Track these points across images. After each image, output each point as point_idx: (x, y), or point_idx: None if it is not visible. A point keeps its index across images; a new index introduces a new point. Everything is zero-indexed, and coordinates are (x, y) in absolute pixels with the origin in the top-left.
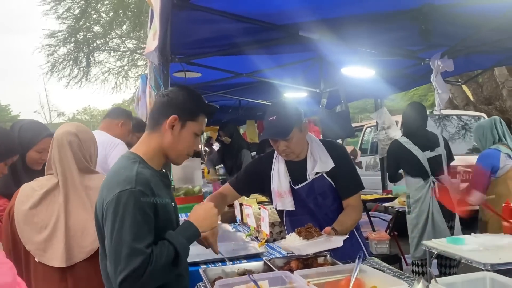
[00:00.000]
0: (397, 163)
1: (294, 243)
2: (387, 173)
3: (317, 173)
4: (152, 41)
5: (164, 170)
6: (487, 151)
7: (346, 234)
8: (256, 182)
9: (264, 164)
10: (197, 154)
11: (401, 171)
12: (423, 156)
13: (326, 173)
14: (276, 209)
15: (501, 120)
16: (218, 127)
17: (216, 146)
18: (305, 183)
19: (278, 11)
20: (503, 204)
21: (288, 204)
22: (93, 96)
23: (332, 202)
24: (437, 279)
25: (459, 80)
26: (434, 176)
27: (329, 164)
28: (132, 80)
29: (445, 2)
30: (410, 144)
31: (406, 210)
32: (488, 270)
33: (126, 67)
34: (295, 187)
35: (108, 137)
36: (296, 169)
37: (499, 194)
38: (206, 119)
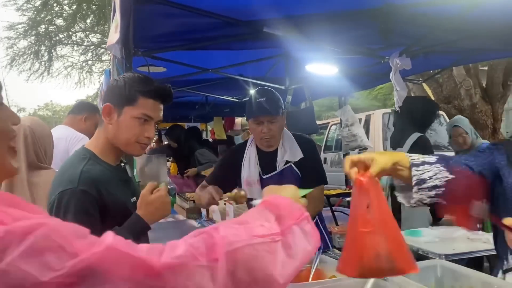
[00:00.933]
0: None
1: None
2: None
3: (286, 162)
4: (114, 34)
5: (122, 164)
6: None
7: None
8: (230, 174)
9: (236, 155)
10: (162, 150)
11: None
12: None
13: (294, 163)
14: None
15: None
16: (186, 124)
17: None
18: (275, 173)
19: (243, 7)
20: None
21: (256, 193)
22: (55, 91)
23: None
24: None
25: (420, 79)
26: None
27: (298, 154)
28: (96, 75)
29: (406, 2)
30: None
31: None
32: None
33: (90, 62)
34: (264, 177)
35: (71, 131)
36: (267, 160)
37: None
38: (153, 102)
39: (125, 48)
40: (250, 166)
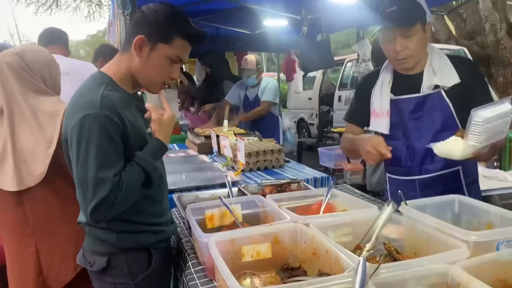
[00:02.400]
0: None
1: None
2: None
3: (435, 87)
4: None
5: (139, 93)
6: None
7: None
8: (366, 106)
9: (370, 81)
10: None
11: None
12: None
13: (446, 92)
14: (365, 129)
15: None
16: (195, 59)
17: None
18: (415, 95)
19: None
20: None
21: (382, 125)
22: (65, 25)
23: (440, 129)
24: (408, 201)
25: (442, 11)
26: None
27: (453, 79)
28: (106, 8)
29: None
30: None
31: None
32: None
33: None
34: (397, 97)
35: (79, 62)
36: (407, 86)
37: None
38: (187, 45)
39: None
40: (382, 93)
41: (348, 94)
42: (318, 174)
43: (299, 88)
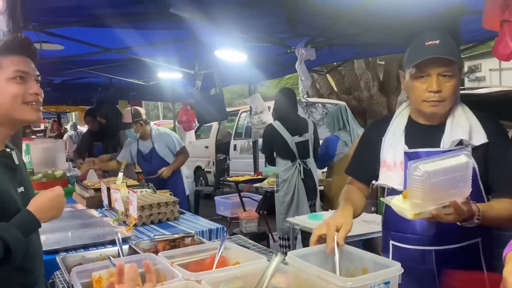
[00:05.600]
0: (270, 145)
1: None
2: (264, 155)
3: (458, 144)
4: None
5: (8, 150)
6: (328, 138)
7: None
8: (371, 157)
9: (379, 129)
10: (59, 135)
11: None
12: (291, 140)
13: (472, 150)
14: (372, 184)
15: (346, 107)
16: (87, 107)
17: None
18: (436, 149)
19: None
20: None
21: (395, 179)
22: None
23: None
24: (292, 251)
25: (324, 70)
26: (301, 159)
27: (481, 137)
28: None
29: None
30: (281, 128)
31: (275, 189)
32: None
33: None
34: (414, 150)
35: None
36: (424, 136)
37: (335, 176)
38: (16, 58)
39: (12, 20)
40: (394, 141)
41: (243, 143)
42: (213, 225)
43: (192, 138)
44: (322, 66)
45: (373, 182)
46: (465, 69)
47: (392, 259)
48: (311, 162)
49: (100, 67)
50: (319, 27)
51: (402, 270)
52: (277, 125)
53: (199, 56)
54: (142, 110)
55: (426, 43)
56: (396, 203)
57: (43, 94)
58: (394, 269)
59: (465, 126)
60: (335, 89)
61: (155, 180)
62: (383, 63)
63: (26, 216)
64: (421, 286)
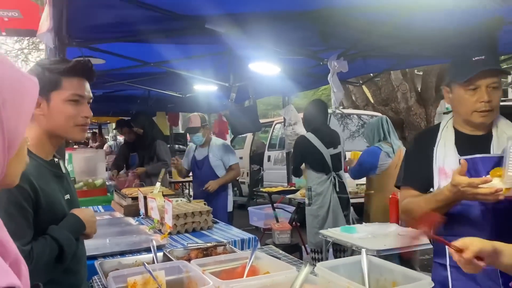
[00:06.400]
0: (302, 157)
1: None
2: (292, 166)
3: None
4: (46, 21)
5: (56, 160)
6: (370, 149)
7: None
8: (426, 165)
9: (428, 139)
10: (100, 146)
11: (302, 166)
12: (327, 153)
13: None
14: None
15: (387, 119)
16: (127, 118)
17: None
18: (494, 155)
19: (184, 1)
20: (390, 196)
21: None
22: None
23: None
24: (321, 262)
25: (359, 81)
26: (335, 171)
27: None
28: (32, 64)
29: (342, 6)
30: (316, 140)
31: (306, 202)
32: (373, 255)
33: (26, 50)
34: (469, 157)
35: None
36: (473, 144)
37: (377, 190)
38: (77, 80)
39: (58, 38)
40: (446, 150)
41: (277, 154)
42: (246, 235)
43: None
44: (357, 77)
45: (432, 190)
46: (509, 79)
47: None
48: (343, 174)
49: (139, 80)
50: (352, 40)
51: (432, 284)
52: (311, 137)
53: (233, 68)
54: (203, 117)
55: (473, 58)
56: (487, 186)
57: (92, 115)
58: (424, 283)
59: (510, 134)
60: (371, 100)
61: (203, 194)
62: (421, 73)
63: (74, 219)
64: None
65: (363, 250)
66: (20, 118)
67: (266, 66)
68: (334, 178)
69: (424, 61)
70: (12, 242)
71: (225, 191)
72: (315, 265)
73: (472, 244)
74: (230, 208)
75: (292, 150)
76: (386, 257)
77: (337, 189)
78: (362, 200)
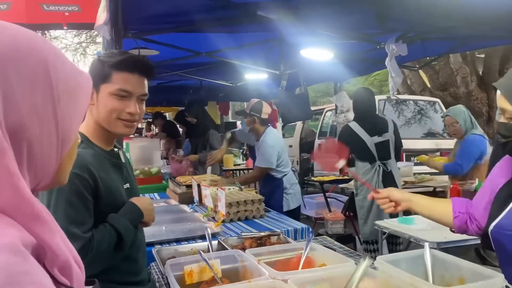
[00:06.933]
0: (347, 147)
1: None
2: None
3: None
4: (102, 14)
5: (116, 149)
6: (475, 138)
7: None
8: None
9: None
10: (155, 135)
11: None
12: (371, 141)
13: None
14: None
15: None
16: (180, 108)
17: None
18: None
19: None
20: (451, 185)
21: None
22: None
23: None
24: (382, 256)
25: (416, 66)
26: (380, 160)
27: None
28: (90, 57)
29: None
30: (359, 129)
31: (354, 192)
32: (434, 248)
33: (84, 44)
34: None
35: None
36: None
37: (483, 178)
38: (127, 76)
39: (114, 30)
40: None
41: None
42: (298, 225)
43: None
44: (414, 62)
45: None
46: None
47: None
48: (391, 163)
49: (191, 70)
50: (411, 21)
51: (506, 283)
52: (354, 126)
53: (284, 56)
54: (266, 110)
55: None
56: None
57: (142, 112)
58: (495, 282)
59: None
60: (428, 85)
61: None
62: (482, 56)
63: (132, 208)
64: None
65: (427, 244)
66: (74, 115)
67: (319, 52)
68: (380, 166)
69: (487, 42)
70: (63, 243)
71: (278, 188)
72: (375, 259)
73: (389, 190)
74: (285, 208)
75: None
76: (460, 251)
77: (382, 179)
78: (421, 189)
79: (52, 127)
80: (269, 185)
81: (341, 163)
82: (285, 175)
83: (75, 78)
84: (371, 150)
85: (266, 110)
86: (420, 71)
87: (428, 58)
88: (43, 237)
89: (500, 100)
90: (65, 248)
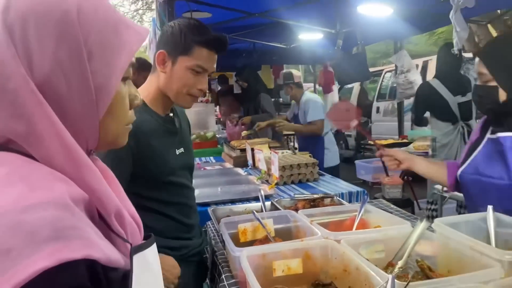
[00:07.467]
0: (425, 105)
1: None
2: (413, 116)
3: None
4: None
5: (171, 115)
6: None
7: None
8: None
9: None
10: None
11: (427, 115)
12: (453, 100)
13: None
14: None
15: None
16: (233, 72)
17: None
18: None
19: None
20: None
21: None
22: None
23: None
24: (440, 218)
25: (484, 20)
26: (463, 121)
27: None
28: (147, 24)
29: None
30: (440, 87)
31: (430, 153)
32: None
33: (140, 11)
34: None
35: None
36: None
37: None
38: (208, 53)
39: None
40: None
41: (386, 105)
42: (353, 188)
43: (335, 100)
44: (482, 16)
45: None
46: None
47: None
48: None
49: (244, 32)
50: None
51: None
52: (436, 83)
53: (340, 14)
54: (296, 73)
55: None
56: None
57: (207, 89)
58: None
59: None
60: None
61: (308, 146)
62: None
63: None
64: None
65: (490, 207)
66: (111, 72)
67: (377, 8)
68: (463, 127)
69: None
70: (113, 193)
71: (319, 144)
72: (433, 221)
73: (394, 150)
74: (325, 164)
75: (404, 99)
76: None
77: (466, 140)
78: None
79: (82, 83)
80: (311, 142)
81: (354, 122)
82: (326, 133)
83: (116, 31)
84: (453, 110)
85: (297, 74)
86: (489, 26)
87: (499, 11)
88: (90, 184)
89: (479, 66)
90: (116, 199)
